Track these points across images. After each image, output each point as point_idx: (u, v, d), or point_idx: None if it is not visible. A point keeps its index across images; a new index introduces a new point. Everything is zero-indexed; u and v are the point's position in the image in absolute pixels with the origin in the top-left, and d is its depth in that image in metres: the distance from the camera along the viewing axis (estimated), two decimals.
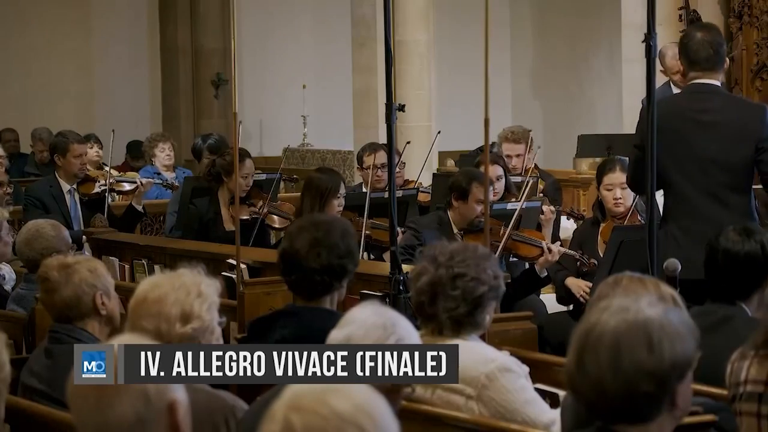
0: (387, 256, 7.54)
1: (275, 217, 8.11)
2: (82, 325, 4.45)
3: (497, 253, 6.59)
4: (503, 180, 7.54)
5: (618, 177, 6.92)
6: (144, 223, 9.61)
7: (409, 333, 3.30)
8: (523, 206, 7.04)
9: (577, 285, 6.81)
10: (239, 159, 8.00)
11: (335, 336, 3.30)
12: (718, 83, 5.89)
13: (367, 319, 3.29)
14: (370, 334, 3.25)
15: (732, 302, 4.55)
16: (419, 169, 9.68)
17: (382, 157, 8.48)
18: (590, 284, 6.67)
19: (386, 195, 5.97)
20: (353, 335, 3.26)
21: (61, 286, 4.45)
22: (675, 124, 5.75)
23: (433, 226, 6.96)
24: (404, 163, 9.25)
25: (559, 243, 7.07)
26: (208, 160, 8.87)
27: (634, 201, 6.98)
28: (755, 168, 5.76)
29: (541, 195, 7.98)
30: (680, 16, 10.33)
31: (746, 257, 4.55)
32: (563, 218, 8.23)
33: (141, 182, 8.95)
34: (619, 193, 6.92)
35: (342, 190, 7.39)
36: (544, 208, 7.28)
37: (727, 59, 6.01)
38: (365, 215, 7.53)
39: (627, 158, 7.35)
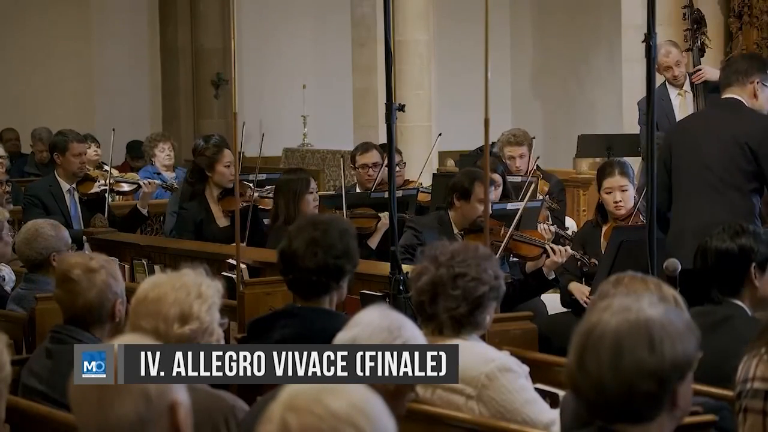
0: (372, 241, 7.61)
1: (268, 200, 8.11)
2: (92, 331, 4.43)
3: (499, 252, 6.59)
4: (501, 188, 7.53)
5: (617, 180, 6.91)
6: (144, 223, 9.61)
7: (415, 336, 3.30)
8: (521, 208, 7.03)
9: (580, 291, 6.79)
10: (218, 150, 8.09)
11: (341, 337, 3.31)
12: (738, 98, 6.18)
13: (372, 321, 3.29)
14: (375, 337, 3.25)
15: (720, 300, 4.58)
16: (419, 168, 9.68)
17: (373, 156, 8.56)
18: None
19: (386, 195, 5.97)
20: (358, 337, 3.26)
21: (86, 290, 4.40)
22: (689, 133, 6.19)
23: (433, 226, 6.96)
24: (405, 162, 9.27)
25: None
26: None
27: (636, 202, 6.96)
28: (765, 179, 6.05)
29: (546, 196, 7.98)
30: (684, 14, 10.33)
31: (717, 253, 4.60)
32: (566, 218, 8.25)
33: (145, 183, 8.94)
34: (619, 196, 6.89)
35: (313, 186, 7.48)
36: (545, 226, 7.31)
37: (760, 85, 6.38)
38: (343, 207, 7.60)
39: (626, 160, 7.43)
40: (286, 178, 7.62)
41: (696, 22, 10.22)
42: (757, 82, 6.18)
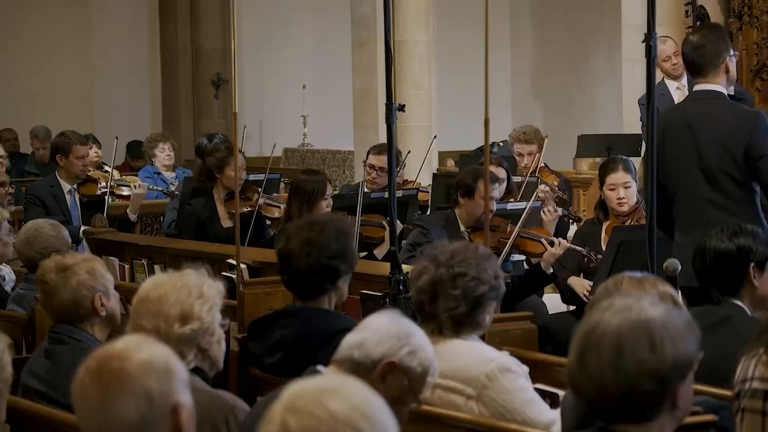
0: (379, 252, 7.57)
1: (272, 207, 8.09)
2: (82, 327, 4.43)
3: (506, 249, 6.62)
4: (505, 183, 7.54)
5: (621, 177, 6.93)
6: (144, 223, 9.61)
7: (424, 345, 3.30)
8: (527, 206, 7.05)
9: (580, 284, 6.79)
10: (229, 153, 8.06)
11: (350, 339, 3.31)
12: (717, 87, 5.81)
13: (381, 326, 3.30)
14: (383, 343, 3.26)
15: (719, 300, 4.58)
16: (417, 168, 9.68)
17: (383, 161, 8.52)
18: (592, 283, 6.64)
19: (386, 195, 5.97)
20: (366, 341, 3.27)
21: (59, 290, 4.41)
22: (676, 134, 5.78)
23: (440, 224, 6.98)
24: (404, 164, 9.27)
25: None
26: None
27: (638, 199, 6.98)
28: (753, 177, 5.71)
29: (555, 186, 8.00)
30: (686, 11, 10.33)
31: (716, 254, 4.59)
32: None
33: (134, 186, 8.89)
34: (623, 193, 6.92)
35: (329, 191, 7.44)
36: (549, 208, 7.29)
37: (730, 59, 5.88)
38: (358, 213, 7.53)
39: (629, 157, 7.40)
40: (303, 180, 7.51)
41: (699, 19, 10.24)
42: (728, 58, 5.85)
